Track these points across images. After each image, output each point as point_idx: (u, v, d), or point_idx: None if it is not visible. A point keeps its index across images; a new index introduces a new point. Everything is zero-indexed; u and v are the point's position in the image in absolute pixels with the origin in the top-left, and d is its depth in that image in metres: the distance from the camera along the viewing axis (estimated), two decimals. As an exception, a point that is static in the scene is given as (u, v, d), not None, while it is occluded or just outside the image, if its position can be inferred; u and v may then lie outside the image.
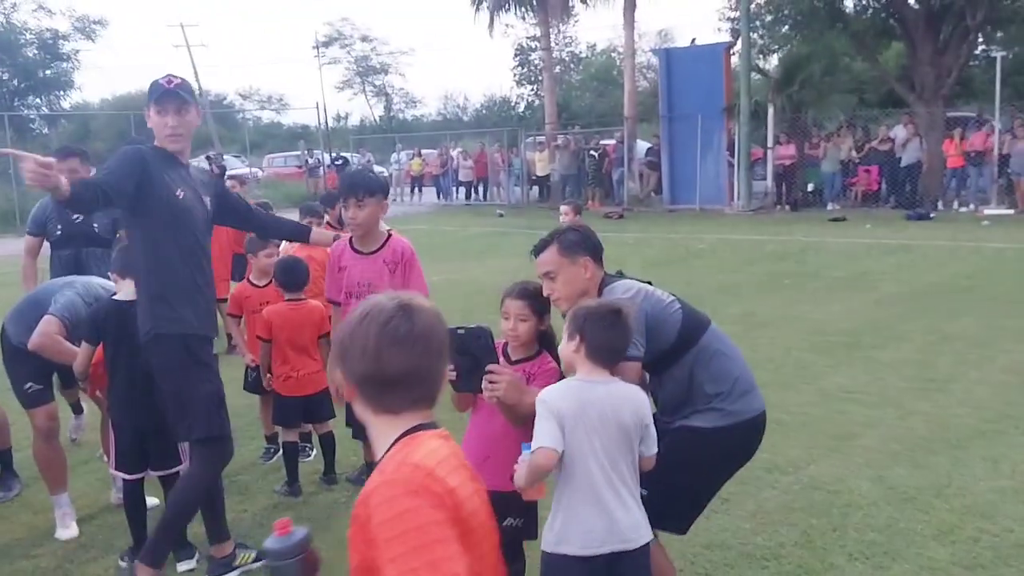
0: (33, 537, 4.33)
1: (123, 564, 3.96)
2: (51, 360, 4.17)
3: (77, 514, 4.44)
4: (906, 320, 8.28)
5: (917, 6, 19.58)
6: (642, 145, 24.30)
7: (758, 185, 21.36)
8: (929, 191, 18.71)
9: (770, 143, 20.41)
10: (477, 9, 27.11)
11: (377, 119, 50.04)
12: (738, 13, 21.60)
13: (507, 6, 27.29)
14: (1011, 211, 17.08)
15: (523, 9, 28.17)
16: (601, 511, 2.58)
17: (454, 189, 26.84)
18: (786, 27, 23.11)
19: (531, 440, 2.78)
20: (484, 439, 3.15)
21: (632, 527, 2.62)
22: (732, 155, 20.85)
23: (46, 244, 5.36)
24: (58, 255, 5.22)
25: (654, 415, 2.97)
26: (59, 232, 5.18)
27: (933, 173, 18.91)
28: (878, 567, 3.71)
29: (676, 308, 2.98)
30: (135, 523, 3.97)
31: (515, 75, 42.36)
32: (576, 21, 37.46)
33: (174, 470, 3.99)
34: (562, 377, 2.96)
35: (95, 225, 5.24)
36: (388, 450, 1.60)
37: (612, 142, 23.77)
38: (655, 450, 2.70)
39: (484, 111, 46.39)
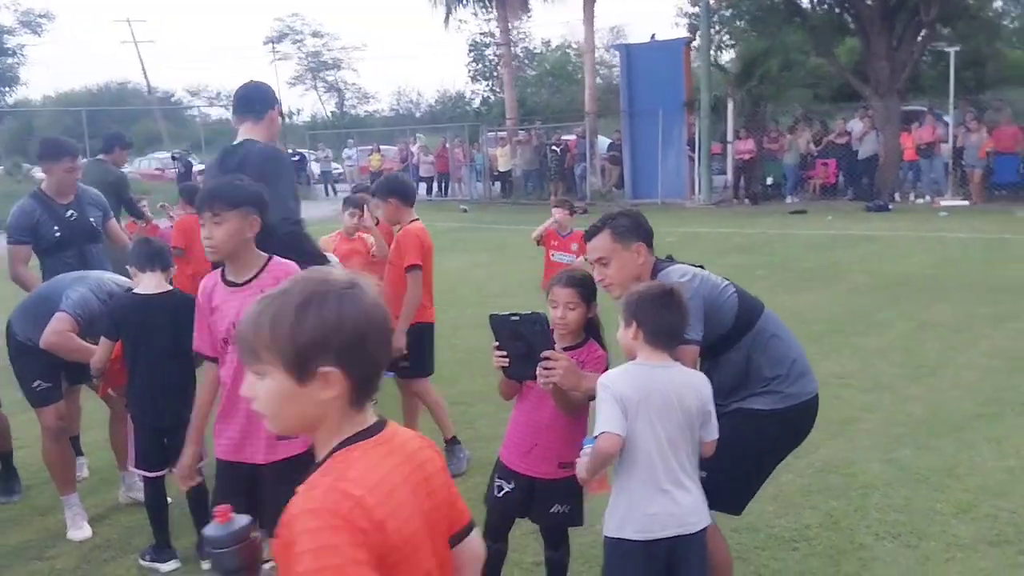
0: (45, 539, 4.20)
1: (144, 562, 3.87)
2: (63, 357, 4.04)
3: (86, 514, 4.32)
4: (883, 308, 8.45)
5: (871, 2, 19.97)
6: (603, 140, 24.45)
7: (717, 179, 21.66)
8: (886, 183, 19.11)
9: (730, 137, 20.68)
10: (434, 4, 27.01)
11: (329, 115, 49.50)
12: (696, 9, 21.85)
13: (465, 1, 27.23)
14: (966, 202, 17.54)
15: (480, 3, 28.17)
16: (662, 496, 2.59)
17: (415, 184, 26.65)
18: (742, 22, 23.40)
19: (585, 432, 2.83)
20: (531, 427, 3.14)
21: (693, 511, 2.63)
22: (692, 149, 21.09)
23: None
24: (59, 258, 4.85)
25: None
26: (57, 234, 4.87)
27: (890, 166, 19.32)
28: (907, 545, 3.79)
29: (732, 292, 3.00)
30: (157, 521, 3.88)
31: (470, 71, 42.27)
32: (530, 17, 37.48)
33: (197, 466, 3.90)
34: (607, 366, 3.00)
35: (92, 219, 5.03)
36: (327, 457, 1.45)
37: (573, 137, 23.86)
38: (716, 435, 2.70)
39: (438, 107, 46.21)
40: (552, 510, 3.15)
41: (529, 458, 3.13)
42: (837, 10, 21.90)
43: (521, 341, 2.89)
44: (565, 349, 3.09)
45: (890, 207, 17.53)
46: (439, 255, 5.21)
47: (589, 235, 3.09)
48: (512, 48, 30.52)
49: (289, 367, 1.39)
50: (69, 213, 4.90)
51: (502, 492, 3.17)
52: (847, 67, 22.73)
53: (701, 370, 3.00)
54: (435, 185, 26.23)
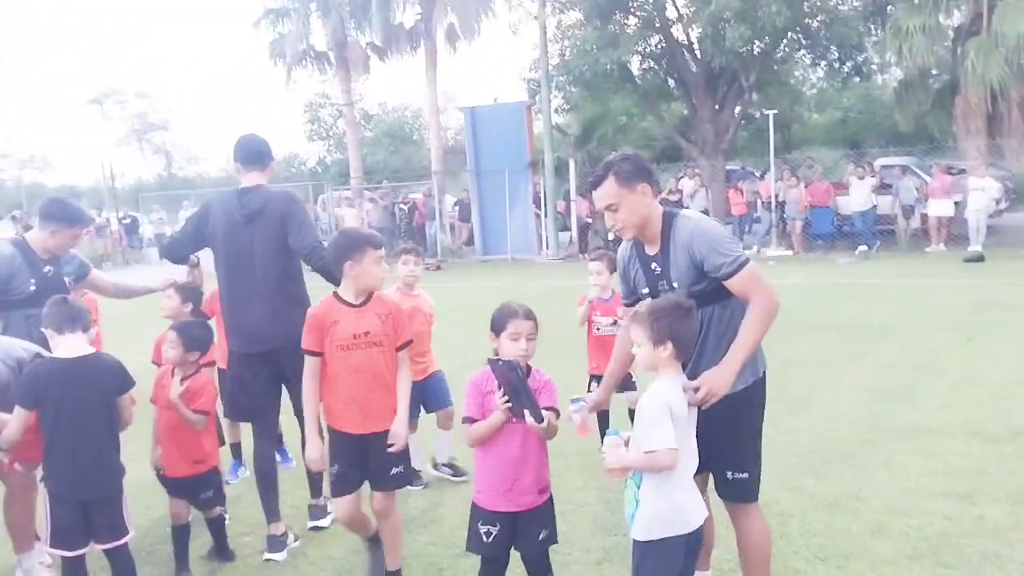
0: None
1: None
2: None
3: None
4: (748, 350, 8.94)
5: (696, 69, 21.44)
6: (448, 199, 24.79)
7: (562, 235, 22.40)
8: (717, 237, 20.33)
9: (573, 196, 21.48)
10: (275, 63, 26.68)
11: (157, 176, 47.47)
12: (535, 74, 22.69)
13: (304, 61, 27.08)
14: (789, 252, 18.94)
15: (319, 65, 28.10)
16: (692, 491, 2.99)
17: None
18: (576, 89, 24.47)
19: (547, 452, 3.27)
20: (508, 465, 3.23)
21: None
22: (538, 207, 21.75)
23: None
24: (25, 314, 4.41)
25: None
26: (32, 288, 4.48)
27: (718, 221, 20.61)
28: (837, 566, 4.02)
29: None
30: (80, 606, 3.53)
31: (305, 131, 41.81)
32: (367, 79, 37.73)
33: (122, 541, 3.61)
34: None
35: (66, 278, 4.71)
36: None
37: (419, 196, 24.04)
38: None
39: (272, 167, 45.31)
40: (540, 537, 3.27)
41: (511, 495, 3.23)
42: (663, 76, 23.35)
43: (510, 385, 3.09)
44: None
45: (724, 258, 18.61)
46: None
47: (593, 184, 3.19)
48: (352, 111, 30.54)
49: None
50: (47, 269, 4.62)
51: (491, 537, 3.23)
52: (675, 129, 24.22)
53: (715, 314, 3.19)
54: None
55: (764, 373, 3.32)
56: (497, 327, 3.28)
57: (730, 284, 3.10)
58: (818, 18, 20.07)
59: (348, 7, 25.67)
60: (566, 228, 22.78)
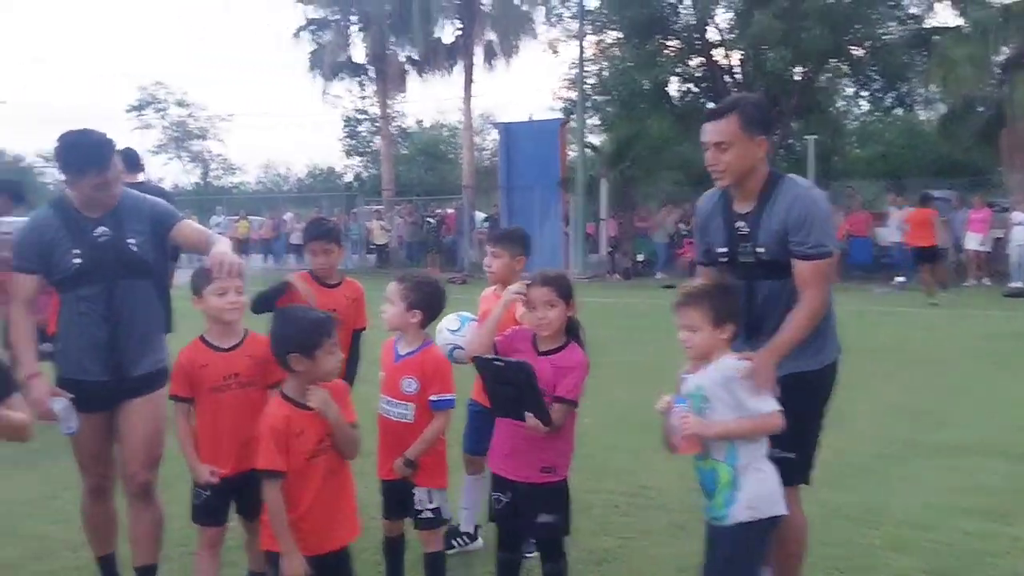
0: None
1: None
2: None
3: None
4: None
5: (736, 92, 21.24)
6: (478, 215, 24.76)
7: (590, 256, 22.23)
8: (751, 263, 20.02)
9: (603, 215, 21.29)
10: (314, 75, 26.94)
11: (193, 184, 48.04)
12: (571, 94, 22.67)
13: (342, 74, 27.28)
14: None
15: (356, 78, 28.33)
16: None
17: (286, 253, 26.12)
18: (611, 108, 24.38)
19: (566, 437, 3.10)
20: (513, 434, 3.08)
21: None
22: (567, 225, 21.59)
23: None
24: (77, 296, 3.32)
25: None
26: (78, 261, 3.27)
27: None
28: (856, 579, 3.75)
29: None
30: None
31: (344, 146, 42.11)
32: (404, 97, 38.00)
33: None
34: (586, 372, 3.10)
35: (131, 242, 3.36)
36: None
37: (451, 211, 24.04)
38: None
39: (308, 181, 45.76)
40: (539, 519, 3.08)
41: (511, 461, 3.10)
42: (702, 99, 23.20)
43: (509, 385, 2.95)
44: (546, 353, 3.07)
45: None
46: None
47: (711, 115, 2.99)
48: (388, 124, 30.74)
49: None
50: (99, 231, 3.33)
51: (500, 504, 3.14)
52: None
53: (780, 292, 3.02)
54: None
55: (834, 363, 3.16)
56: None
57: (797, 265, 2.92)
58: (864, 44, 19.79)
59: (389, 20, 25.82)
60: (596, 250, 22.56)
